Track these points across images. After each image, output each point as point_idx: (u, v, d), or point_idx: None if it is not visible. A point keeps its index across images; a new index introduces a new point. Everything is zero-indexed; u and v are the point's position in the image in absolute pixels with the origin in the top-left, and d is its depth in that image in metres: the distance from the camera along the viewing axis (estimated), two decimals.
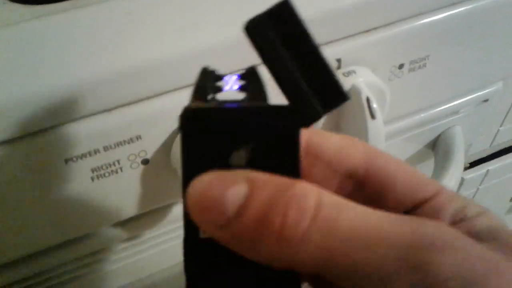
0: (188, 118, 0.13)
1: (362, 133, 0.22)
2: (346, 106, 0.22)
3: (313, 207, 0.11)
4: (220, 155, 0.12)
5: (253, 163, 0.12)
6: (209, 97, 0.13)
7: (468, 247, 0.11)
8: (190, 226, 0.12)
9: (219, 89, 0.13)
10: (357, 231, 0.11)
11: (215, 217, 0.12)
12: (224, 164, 0.12)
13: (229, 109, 0.13)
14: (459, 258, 0.11)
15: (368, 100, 0.21)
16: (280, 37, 0.12)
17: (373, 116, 0.22)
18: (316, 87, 0.12)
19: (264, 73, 0.13)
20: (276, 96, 0.13)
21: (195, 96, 0.13)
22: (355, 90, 0.22)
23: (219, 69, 0.14)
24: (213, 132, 0.12)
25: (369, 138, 0.22)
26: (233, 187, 0.12)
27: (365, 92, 0.22)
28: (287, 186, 0.12)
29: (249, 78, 0.13)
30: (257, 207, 0.12)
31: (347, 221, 0.11)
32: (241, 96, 0.13)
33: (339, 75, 0.22)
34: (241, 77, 0.13)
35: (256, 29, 0.12)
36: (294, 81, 0.12)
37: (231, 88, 0.13)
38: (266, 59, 0.12)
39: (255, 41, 0.12)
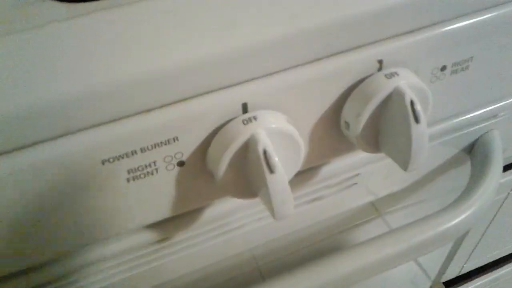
0: None
1: (404, 138, 0.21)
2: (389, 109, 0.21)
3: None
4: None
5: None
6: None
7: None
8: None
9: None
10: None
11: None
12: None
13: None
14: None
15: (412, 103, 0.21)
16: None
17: (417, 119, 0.21)
18: None
19: None
20: None
21: None
22: (398, 92, 0.21)
23: None
24: None
25: (413, 143, 0.21)
26: None
27: (409, 94, 0.21)
28: None
29: None
30: None
31: None
32: None
33: (381, 76, 0.22)
34: None
35: None
36: None
37: None
38: None
39: None
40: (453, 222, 0.29)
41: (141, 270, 0.27)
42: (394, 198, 0.38)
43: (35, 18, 0.19)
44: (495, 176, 0.28)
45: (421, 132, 0.21)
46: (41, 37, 0.18)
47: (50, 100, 0.17)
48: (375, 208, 0.41)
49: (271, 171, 0.19)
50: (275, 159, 0.19)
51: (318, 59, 0.21)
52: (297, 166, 0.22)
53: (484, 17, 0.23)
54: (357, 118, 0.22)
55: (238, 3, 0.20)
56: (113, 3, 0.19)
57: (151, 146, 0.20)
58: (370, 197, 0.32)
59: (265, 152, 0.19)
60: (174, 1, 0.20)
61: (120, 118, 0.19)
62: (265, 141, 0.19)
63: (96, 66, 0.18)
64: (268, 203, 0.20)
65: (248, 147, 0.20)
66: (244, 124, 0.20)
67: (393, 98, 0.21)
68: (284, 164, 0.21)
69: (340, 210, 0.32)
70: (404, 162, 0.22)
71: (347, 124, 0.22)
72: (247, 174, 0.21)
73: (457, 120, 0.28)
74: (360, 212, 0.40)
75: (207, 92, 0.20)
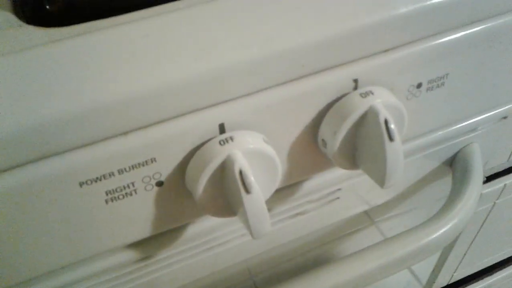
0: None
1: (379, 156, 0.22)
2: (365, 127, 0.22)
3: None
4: None
5: None
6: None
7: None
8: None
9: None
10: None
11: None
12: None
13: None
14: None
15: (386, 122, 0.21)
16: None
17: (391, 138, 0.21)
18: None
19: None
20: None
21: None
22: (373, 111, 0.21)
23: None
24: None
25: (387, 161, 0.21)
26: None
27: (383, 113, 0.21)
28: None
29: None
30: None
31: None
32: None
33: (356, 96, 0.22)
34: None
35: None
36: None
37: None
38: None
39: None
40: (435, 235, 0.29)
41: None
42: (384, 207, 0.38)
43: (14, 43, 0.19)
44: (474, 190, 0.29)
45: (395, 150, 0.21)
46: (20, 62, 0.18)
47: (27, 123, 0.17)
48: (368, 216, 0.42)
49: (247, 191, 0.19)
50: (251, 179, 0.19)
51: (294, 80, 0.21)
52: (275, 184, 0.22)
53: (458, 34, 0.24)
54: (334, 136, 0.22)
55: (214, 26, 0.20)
56: (90, 28, 0.20)
57: (129, 167, 0.20)
58: (353, 211, 0.33)
59: (241, 172, 0.19)
60: (150, 25, 0.20)
61: (97, 141, 0.19)
62: (241, 162, 0.20)
63: (72, 90, 0.18)
64: (245, 222, 0.20)
65: (225, 167, 0.20)
66: (221, 144, 0.20)
67: (368, 117, 0.22)
68: (262, 183, 0.21)
69: (324, 224, 0.33)
70: (380, 179, 0.22)
71: (324, 142, 0.23)
72: (226, 194, 0.21)
73: (436, 134, 0.29)
74: (353, 220, 0.40)
75: (184, 114, 0.20)
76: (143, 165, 0.20)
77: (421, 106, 0.25)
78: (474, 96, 0.27)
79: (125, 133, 0.19)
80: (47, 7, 0.21)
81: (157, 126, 0.20)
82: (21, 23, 0.20)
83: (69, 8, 0.20)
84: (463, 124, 0.29)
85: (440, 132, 0.29)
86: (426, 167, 0.32)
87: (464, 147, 0.31)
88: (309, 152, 0.24)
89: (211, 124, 0.21)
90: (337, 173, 0.28)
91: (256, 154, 0.21)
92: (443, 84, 0.25)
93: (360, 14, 0.21)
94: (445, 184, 0.33)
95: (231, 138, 0.20)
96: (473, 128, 0.30)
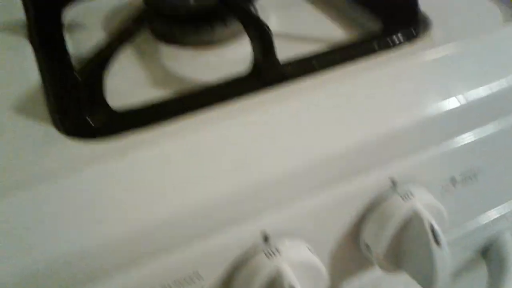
0: None
1: (426, 259, 0.21)
2: (409, 232, 0.21)
3: None
4: None
5: None
6: None
7: None
8: None
9: None
10: None
11: None
12: None
13: None
14: None
15: (431, 226, 0.21)
16: None
17: (438, 242, 0.21)
18: None
19: None
20: None
21: None
22: (418, 216, 0.21)
23: None
24: None
25: (435, 265, 0.21)
26: None
27: (427, 217, 0.21)
28: None
29: None
30: None
31: None
32: None
33: (397, 199, 0.22)
34: None
35: None
36: None
37: None
38: None
39: None
40: None
41: None
42: None
43: (55, 162, 0.19)
44: None
45: (442, 253, 0.21)
46: (64, 188, 0.18)
47: (69, 253, 0.17)
48: None
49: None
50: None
51: (333, 184, 0.21)
52: None
53: (490, 130, 0.24)
54: (378, 241, 0.22)
55: (254, 140, 0.20)
56: (131, 142, 0.20)
57: (173, 283, 0.19)
58: None
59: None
60: (188, 140, 0.20)
61: (140, 260, 0.18)
62: (290, 277, 0.19)
63: (117, 213, 0.18)
64: None
65: (274, 282, 0.19)
66: (267, 257, 0.20)
67: (412, 221, 0.21)
68: None
69: None
70: (427, 283, 0.22)
71: (368, 247, 0.22)
72: None
73: (469, 223, 0.28)
74: None
75: (225, 226, 0.20)
76: (188, 283, 0.19)
77: (455, 200, 0.25)
78: (508, 188, 0.27)
79: (168, 249, 0.19)
80: (89, 119, 0.21)
81: (200, 241, 0.19)
82: (60, 135, 0.20)
83: (111, 120, 0.21)
84: (497, 215, 0.29)
85: (473, 222, 0.29)
86: (458, 256, 0.31)
87: (498, 237, 0.30)
88: (350, 254, 0.23)
89: (253, 233, 0.20)
90: (377, 273, 0.27)
91: (303, 266, 0.20)
92: (476, 178, 0.25)
93: (394, 118, 0.22)
94: (478, 276, 0.32)
95: (278, 250, 0.20)
96: (507, 218, 0.30)
